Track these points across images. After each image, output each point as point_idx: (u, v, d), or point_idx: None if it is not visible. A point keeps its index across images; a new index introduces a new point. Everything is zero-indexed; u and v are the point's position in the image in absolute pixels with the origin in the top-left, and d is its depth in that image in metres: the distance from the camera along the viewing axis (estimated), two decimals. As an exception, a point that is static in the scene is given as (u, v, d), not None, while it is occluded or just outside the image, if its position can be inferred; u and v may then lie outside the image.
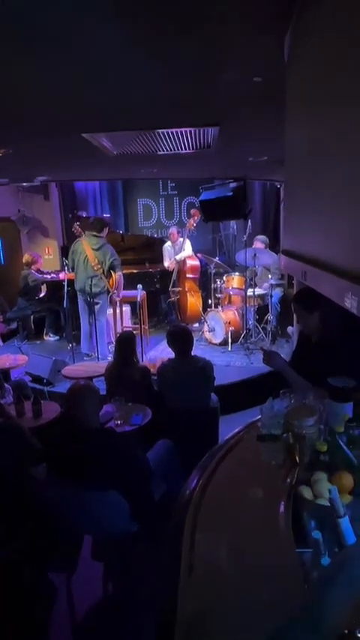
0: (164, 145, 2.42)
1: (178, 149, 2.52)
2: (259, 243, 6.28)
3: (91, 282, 5.31)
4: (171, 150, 2.59)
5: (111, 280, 5.67)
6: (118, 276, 5.62)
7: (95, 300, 5.42)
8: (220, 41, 1.14)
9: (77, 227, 5.71)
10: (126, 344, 3.58)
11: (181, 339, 3.39)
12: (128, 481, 2.34)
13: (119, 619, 2.52)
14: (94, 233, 5.53)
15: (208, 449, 3.50)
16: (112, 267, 5.55)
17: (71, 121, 1.87)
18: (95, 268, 5.44)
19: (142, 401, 3.42)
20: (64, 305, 5.67)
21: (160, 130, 2.01)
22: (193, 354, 3.50)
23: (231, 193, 4.27)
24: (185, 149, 2.55)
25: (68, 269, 5.72)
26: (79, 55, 1.25)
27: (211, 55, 1.23)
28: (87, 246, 5.47)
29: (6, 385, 3.93)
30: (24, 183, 3.51)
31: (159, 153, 2.55)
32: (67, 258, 5.83)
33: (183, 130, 2.04)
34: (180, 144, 2.40)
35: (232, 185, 4.32)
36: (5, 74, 1.37)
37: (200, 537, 1.42)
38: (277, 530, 1.39)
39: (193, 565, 1.31)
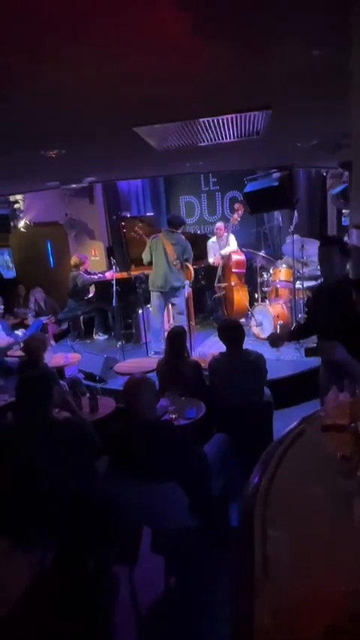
0: (210, 134, 2.39)
1: (224, 138, 2.48)
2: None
3: (174, 276, 5.48)
4: (217, 139, 2.55)
5: (188, 273, 5.78)
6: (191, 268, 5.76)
7: (175, 295, 5.60)
8: (278, 7, 1.08)
9: (138, 230, 5.84)
10: (177, 339, 3.59)
11: (233, 332, 3.35)
12: (187, 474, 2.34)
13: (181, 613, 2.53)
14: (172, 229, 5.67)
15: (263, 443, 3.44)
16: (187, 261, 5.73)
17: (122, 114, 1.88)
18: (174, 263, 5.56)
19: (194, 395, 3.42)
20: (113, 304, 5.76)
21: (205, 119, 1.99)
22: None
23: (277, 183, 4.18)
24: (231, 138, 2.51)
25: (116, 268, 5.83)
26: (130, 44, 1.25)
27: (269, 25, 1.18)
28: (166, 242, 5.59)
29: (62, 382, 4.05)
30: (73, 185, 3.61)
31: (204, 144, 2.53)
32: (114, 258, 5.94)
33: (230, 116, 2.01)
34: (226, 132, 2.37)
35: (278, 175, 4.23)
36: (64, 74, 1.40)
37: (272, 533, 1.38)
38: (350, 525, 1.33)
39: (267, 561, 1.27)
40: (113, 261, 5.89)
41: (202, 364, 3.79)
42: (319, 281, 5.81)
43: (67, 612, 2.26)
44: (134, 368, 4.28)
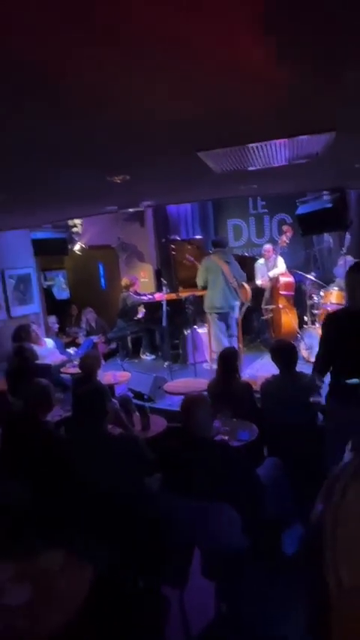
0: (274, 157, 2.43)
1: (285, 161, 2.52)
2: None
3: (232, 295, 5.54)
4: (278, 162, 2.60)
5: (245, 292, 5.81)
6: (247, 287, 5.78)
7: (232, 316, 5.62)
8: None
9: (189, 257, 5.93)
10: (229, 359, 3.59)
11: (287, 354, 3.32)
12: (242, 495, 2.31)
13: (232, 638, 2.45)
14: (221, 249, 5.76)
15: (317, 469, 3.34)
16: (242, 279, 5.79)
17: (188, 139, 1.97)
18: (232, 282, 5.62)
19: (245, 417, 3.38)
20: (162, 324, 5.85)
21: (277, 141, 2.04)
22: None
23: (330, 205, 4.15)
24: (292, 160, 2.54)
25: (165, 289, 5.93)
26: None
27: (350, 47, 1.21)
28: (221, 263, 5.64)
29: (112, 400, 4.14)
30: (130, 209, 3.77)
31: (264, 167, 2.58)
32: (164, 279, 6.06)
33: (296, 139, 2.05)
34: (287, 155, 2.41)
35: (330, 196, 4.21)
36: (143, 101, 1.50)
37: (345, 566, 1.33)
38: None
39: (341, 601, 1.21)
40: (164, 282, 6.02)
41: (253, 386, 3.76)
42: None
43: (115, 630, 2.25)
44: (184, 388, 4.30)
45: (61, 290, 8.98)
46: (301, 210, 4.36)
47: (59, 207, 3.71)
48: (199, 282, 5.70)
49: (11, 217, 4.02)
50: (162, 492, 2.57)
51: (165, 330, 5.97)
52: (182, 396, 4.43)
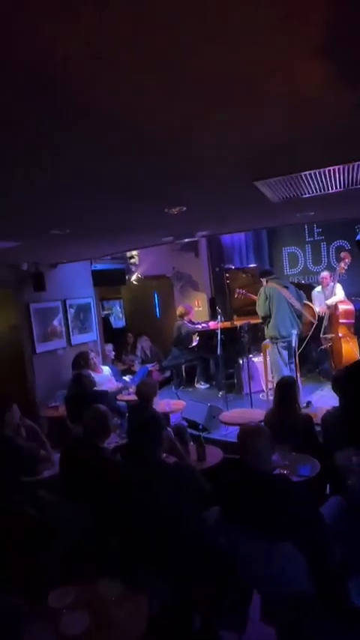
0: (325, 183, 2.41)
1: (342, 187, 2.48)
2: None
3: (296, 322, 5.45)
4: (331, 189, 2.56)
5: (311, 311, 5.67)
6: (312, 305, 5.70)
7: (294, 344, 5.46)
8: None
9: (241, 292, 5.88)
10: (287, 389, 3.47)
11: (351, 385, 3.15)
12: (306, 534, 2.17)
13: None
14: (274, 276, 5.73)
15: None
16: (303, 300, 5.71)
17: (245, 169, 2.00)
18: (295, 305, 5.52)
19: (305, 451, 3.22)
20: (218, 353, 5.80)
21: (334, 167, 2.02)
22: (361, 402, 3.21)
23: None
24: (350, 186, 2.50)
25: (220, 318, 5.91)
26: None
27: None
28: (280, 287, 5.54)
29: (167, 429, 4.12)
30: (185, 240, 3.85)
31: (322, 193, 2.55)
32: (219, 307, 6.05)
33: (354, 164, 2.02)
34: (345, 180, 2.37)
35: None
36: (204, 134, 1.55)
37: None
38: None
39: None
40: (219, 310, 6.01)
41: (314, 418, 3.59)
42: None
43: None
44: (240, 418, 4.20)
45: (118, 319, 9.25)
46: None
47: (118, 239, 3.87)
48: (261, 311, 5.50)
49: (73, 250, 4.24)
50: (220, 527, 2.48)
51: (220, 359, 5.91)
52: (238, 427, 4.35)
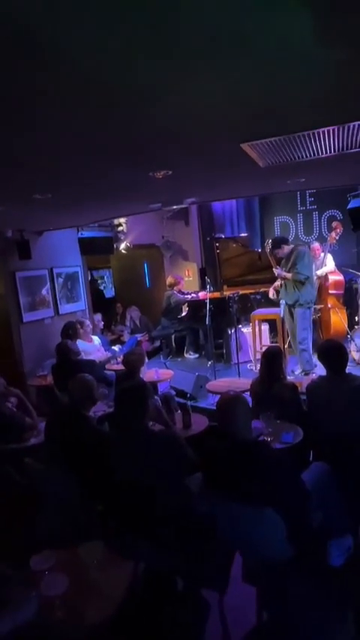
0: (323, 146, 2.32)
1: (333, 150, 2.40)
2: None
3: None
4: (324, 153, 2.47)
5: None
6: None
7: None
8: None
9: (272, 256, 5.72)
10: (273, 359, 3.48)
11: (336, 355, 3.16)
12: (286, 500, 2.21)
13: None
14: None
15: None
16: None
17: (232, 130, 1.91)
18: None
19: (289, 419, 3.26)
20: (206, 323, 5.78)
21: (321, 129, 1.94)
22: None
23: (385, 198, 3.93)
24: (341, 150, 2.41)
25: (209, 288, 5.87)
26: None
27: None
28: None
29: (155, 397, 4.14)
30: (174, 207, 3.74)
31: (314, 157, 2.46)
32: (209, 278, 6.00)
33: (347, 125, 1.93)
34: (337, 143, 2.28)
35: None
36: (183, 95, 1.46)
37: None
38: None
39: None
40: (207, 280, 5.95)
41: (298, 387, 3.62)
42: None
43: (153, 631, 2.23)
44: (227, 387, 4.22)
45: (107, 288, 9.17)
46: (353, 204, 4.16)
47: (104, 205, 3.76)
48: (309, 272, 5.37)
49: (58, 217, 4.12)
50: (203, 493, 2.52)
51: (209, 329, 5.90)
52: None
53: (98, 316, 7.06)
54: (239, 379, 4.91)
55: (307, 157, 2.47)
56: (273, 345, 5.33)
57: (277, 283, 5.62)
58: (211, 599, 2.57)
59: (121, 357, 5.72)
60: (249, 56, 1.29)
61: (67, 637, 1.60)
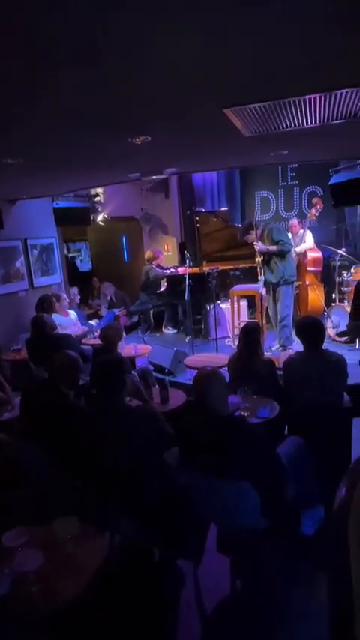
0: (303, 115, 2.24)
1: (319, 120, 2.32)
2: None
3: None
4: (309, 123, 2.40)
5: None
6: None
7: None
8: None
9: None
10: (252, 334, 3.47)
11: (314, 330, 3.17)
12: (262, 474, 2.23)
13: (244, 616, 2.43)
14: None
15: (340, 451, 3.22)
16: None
17: (216, 93, 1.81)
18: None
19: (266, 394, 3.28)
20: (185, 298, 5.73)
21: (308, 97, 1.86)
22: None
23: (365, 174, 3.90)
24: (326, 120, 2.34)
25: (189, 263, 5.79)
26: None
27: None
28: None
29: (132, 372, 4.10)
30: (153, 177, 3.61)
31: (298, 127, 2.38)
32: (188, 252, 5.90)
33: (334, 93, 1.86)
34: (320, 114, 2.21)
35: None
36: (160, 50, 1.35)
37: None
38: None
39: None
40: (187, 255, 5.86)
41: (275, 363, 3.64)
42: None
43: (129, 602, 2.25)
44: (205, 362, 4.21)
45: (84, 262, 8.96)
46: (335, 179, 4.11)
47: (80, 173, 3.59)
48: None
49: (32, 184, 3.93)
50: (180, 467, 2.52)
51: (187, 305, 5.86)
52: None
53: (75, 290, 6.91)
54: (217, 355, 4.91)
55: (292, 126, 2.39)
56: (251, 320, 5.33)
57: (258, 259, 5.59)
58: (186, 569, 2.62)
59: (98, 331, 5.68)
60: (238, 16, 1.20)
61: (42, 611, 1.58)
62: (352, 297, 5.24)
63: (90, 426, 2.51)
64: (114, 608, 2.09)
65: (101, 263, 8.69)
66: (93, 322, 6.66)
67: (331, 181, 4.21)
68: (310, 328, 3.23)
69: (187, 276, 5.67)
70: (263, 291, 5.63)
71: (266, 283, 5.54)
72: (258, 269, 5.60)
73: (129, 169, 3.53)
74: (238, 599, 2.55)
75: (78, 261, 9.20)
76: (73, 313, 6.07)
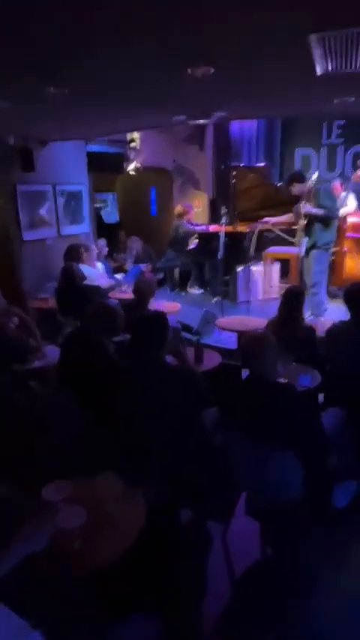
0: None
1: None
2: None
3: None
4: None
5: None
6: None
7: None
8: None
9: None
10: (295, 299, 3.29)
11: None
12: (307, 444, 2.12)
13: (271, 584, 2.41)
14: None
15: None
16: None
17: (306, 11, 1.54)
18: None
19: (306, 362, 3.14)
20: (219, 257, 5.48)
21: None
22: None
23: None
24: None
25: (226, 220, 5.49)
26: None
27: None
28: None
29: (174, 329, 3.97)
30: (200, 121, 3.31)
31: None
32: (224, 209, 5.60)
33: None
34: None
35: None
36: None
37: None
38: None
39: None
40: (224, 210, 5.50)
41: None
42: None
43: (157, 563, 2.22)
44: (239, 324, 4.07)
45: (110, 214, 8.68)
46: None
47: (124, 112, 3.30)
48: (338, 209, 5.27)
49: (70, 123, 3.66)
50: (218, 427, 2.43)
51: (220, 264, 5.62)
52: (235, 333, 4.24)
53: (103, 241, 6.72)
54: (252, 318, 4.72)
55: None
56: (294, 285, 5.05)
57: (302, 222, 5.25)
58: (215, 532, 2.58)
59: (125, 285, 5.54)
60: None
61: (82, 570, 1.52)
62: None
63: (129, 381, 2.41)
64: (145, 570, 2.05)
65: (128, 216, 8.41)
66: (119, 276, 6.52)
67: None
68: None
69: (223, 234, 5.40)
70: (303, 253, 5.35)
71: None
72: (299, 231, 5.28)
73: (177, 110, 3.24)
74: (266, 567, 2.52)
75: (104, 213, 8.93)
76: (100, 265, 5.92)
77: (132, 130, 5.26)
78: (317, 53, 1.93)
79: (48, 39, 1.80)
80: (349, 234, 6.14)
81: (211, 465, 2.36)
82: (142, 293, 3.69)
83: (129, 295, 4.25)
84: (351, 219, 6.14)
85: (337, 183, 6.26)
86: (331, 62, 2.06)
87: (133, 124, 4.42)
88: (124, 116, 3.52)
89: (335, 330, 3.16)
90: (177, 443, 2.29)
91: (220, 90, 2.56)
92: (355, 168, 6.43)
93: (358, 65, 2.07)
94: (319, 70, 2.21)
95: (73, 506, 1.58)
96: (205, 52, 2.00)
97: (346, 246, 6.12)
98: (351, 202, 6.15)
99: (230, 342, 4.35)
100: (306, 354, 3.16)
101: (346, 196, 6.12)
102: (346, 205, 6.10)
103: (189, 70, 2.18)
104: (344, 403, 2.85)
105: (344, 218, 6.10)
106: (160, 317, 2.37)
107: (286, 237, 5.75)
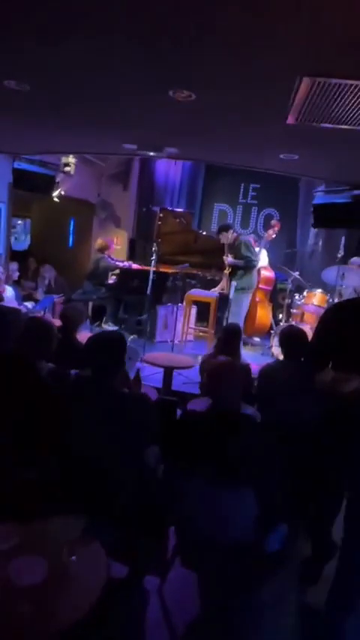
0: None
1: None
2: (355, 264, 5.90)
3: None
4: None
5: None
6: None
7: None
8: None
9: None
10: (233, 337, 3.31)
11: (299, 342, 3.08)
12: (267, 477, 2.03)
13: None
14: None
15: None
16: None
17: (302, 55, 1.62)
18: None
19: (242, 400, 3.12)
20: (148, 292, 5.39)
21: None
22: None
23: (350, 200, 4.02)
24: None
25: (156, 259, 5.50)
26: None
27: None
28: None
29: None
30: (150, 153, 3.28)
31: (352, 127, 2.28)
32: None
33: None
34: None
35: (351, 192, 4.08)
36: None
37: None
38: None
39: None
40: (155, 248, 5.46)
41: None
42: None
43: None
44: (165, 360, 3.95)
45: (19, 241, 8.17)
46: (320, 200, 4.19)
47: (78, 129, 3.13)
48: (255, 258, 5.87)
49: (15, 128, 3.35)
50: (165, 467, 2.23)
51: (142, 301, 5.53)
52: (159, 370, 4.09)
53: (14, 265, 6.23)
54: (178, 355, 4.66)
55: (350, 119, 2.27)
56: (233, 323, 5.15)
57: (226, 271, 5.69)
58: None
59: (35, 313, 5.12)
60: None
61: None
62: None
63: (70, 409, 2.11)
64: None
65: (41, 244, 7.97)
66: (29, 304, 6.06)
67: (315, 201, 4.28)
68: (296, 338, 3.15)
69: (151, 273, 5.37)
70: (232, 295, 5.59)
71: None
72: (225, 278, 5.63)
73: (131, 137, 3.18)
74: (207, 618, 2.29)
75: (12, 239, 8.36)
76: (9, 289, 5.45)
77: (76, 152, 5.06)
78: (299, 98, 2.05)
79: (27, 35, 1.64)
80: (261, 285, 6.58)
81: (148, 507, 2.13)
82: (71, 320, 3.39)
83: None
84: (264, 273, 6.62)
85: (251, 239, 6.74)
86: (307, 112, 2.21)
87: (79, 145, 4.20)
88: (74, 134, 3.36)
89: (269, 370, 3.22)
90: (114, 482, 2.03)
91: (187, 120, 2.59)
92: (265, 227, 7.03)
93: (330, 119, 2.25)
94: (290, 119, 2.35)
95: (28, 555, 1.26)
96: (189, 79, 2.01)
97: (258, 296, 6.52)
98: (264, 257, 6.66)
99: (155, 379, 4.20)
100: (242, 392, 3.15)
101: (259, 252, 6.60)
102: (259, 260, 6.57)
103: (171, 92, 2.16)
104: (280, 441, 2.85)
105: (258, 271, 6.55)
106: (119, 339, 2.16)
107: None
